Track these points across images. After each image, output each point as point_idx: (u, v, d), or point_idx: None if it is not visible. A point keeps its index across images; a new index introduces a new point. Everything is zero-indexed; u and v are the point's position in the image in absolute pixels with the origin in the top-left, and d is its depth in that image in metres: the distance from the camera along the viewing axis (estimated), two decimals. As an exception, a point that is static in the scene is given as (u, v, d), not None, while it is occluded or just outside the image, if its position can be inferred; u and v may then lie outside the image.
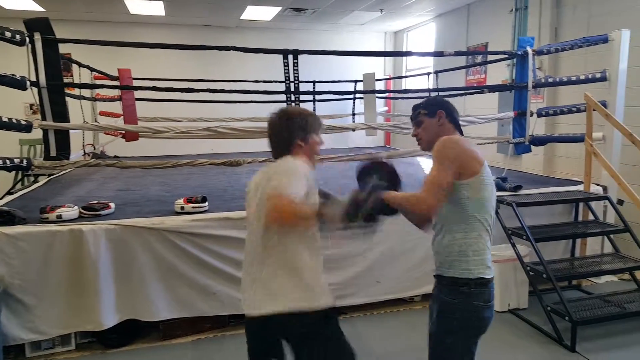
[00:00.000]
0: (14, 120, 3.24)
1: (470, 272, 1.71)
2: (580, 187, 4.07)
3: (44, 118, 3.35)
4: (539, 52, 4.26)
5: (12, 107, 6.04)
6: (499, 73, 6.09)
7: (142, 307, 2.98)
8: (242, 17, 7.65)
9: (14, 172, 4.56)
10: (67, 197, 3.80)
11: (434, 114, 1.86)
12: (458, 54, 4.47)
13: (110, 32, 7.56)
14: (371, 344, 3.04)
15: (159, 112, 6.42)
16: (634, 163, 4.15)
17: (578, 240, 3.97)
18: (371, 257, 3.44)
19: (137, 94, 5.41)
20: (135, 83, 5.81)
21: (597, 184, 4.09)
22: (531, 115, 4.33)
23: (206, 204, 3.26)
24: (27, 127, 3.29)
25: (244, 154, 5.31)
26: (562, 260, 3.71)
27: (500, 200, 3.47)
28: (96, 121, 5.87)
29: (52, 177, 4.86)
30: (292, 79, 3.86)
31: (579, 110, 4.16)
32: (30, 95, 3.43)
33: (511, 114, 4.32)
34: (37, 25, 3.33)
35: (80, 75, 5.55)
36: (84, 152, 5.19)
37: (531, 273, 3.32)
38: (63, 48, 3.70)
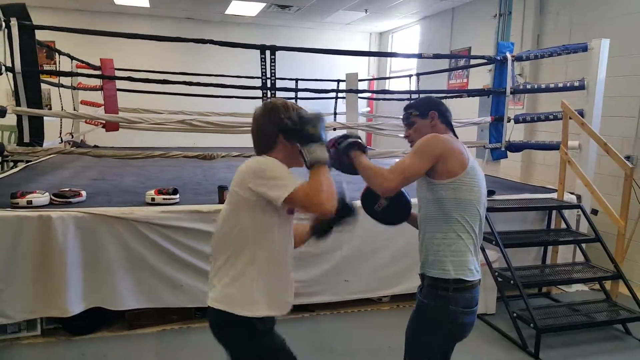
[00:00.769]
0: (-12, 105, 3.23)
1: (447, 273, 1.67)
2: (554, 195, 4.06)
3: (18, 104, 3.36)
4: (518, 58, 4.25)
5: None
6: (481, 78, 6.10)
7: (108, 295, 2.98)
8: (226, 12, 7.60)
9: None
10: (40, 184, 3.78)
11: (426, 114, 1.82)
12: (436, 56, 4.45)
13: (95, 21, 7.50)
14: (334, 342, 3.02)
15: (141, 103, 6.36)
16: (609, 173, 4.17)
17: (550, 248, 3.97)
18: (339, 256, 3.42)
19: (120, 84, 5.39)
20: (118, 74, 5.76)
21: (572, 193, 4.09)
22: (508, 121, 4.32)
23: (177, 196, 3.25)
24: (1, 112, 3.28)
25: (227, 149, 5.32)
26: (532, 267, 3.72)
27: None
28: (75, 109, 5.83)
29: (29, 163, 4.87)
30: (268, 75, 3.82)
31: (555, 118, 4.16)
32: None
33: (488, 119, 4.30)
34: (13, 10, 3.36)
35: (59, 63, 5.50)
36: (61, 140, 5.12)
37: (499, 279, 3.30)
38: (47, 36, 3.66)
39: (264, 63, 3.87)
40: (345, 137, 1.76)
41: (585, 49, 3.99)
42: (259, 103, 4.07)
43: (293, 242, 1.65)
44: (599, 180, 4.15)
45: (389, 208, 1.90)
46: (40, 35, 3.67)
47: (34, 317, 2.92)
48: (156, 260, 3.04)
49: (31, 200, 2.94)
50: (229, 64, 7.19)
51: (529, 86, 4.70)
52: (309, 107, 1.74)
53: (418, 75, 5.88)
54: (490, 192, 3.87)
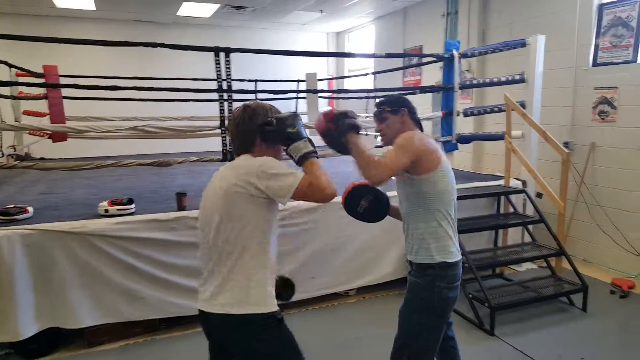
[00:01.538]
0: None
1: (432, 258, 1.88)
2: (502, 182, 4.35)
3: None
4: (464, 55, 4.51)
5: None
6: (434, 75, 6.37)
7: (63, 314, 2.88)
8: (178, 13, 7.45)
9: None
10: None
11: (397, 111, 1.99)
12: (389, 56, 4.63)
13: (36, 26, 7.11)
14: (301, 339, 3.07)
15: (93, 111, 6.15)
16: (550, 159, 4.50)
17: (500, 231, 4.25)
18: (305, 254, 3.50)
19: (67, 92, 5.15)
20: (64, 81, 5.49)
21: (518, 179, 4.39)
22: (458, 115, 4.58)
23: (132, 205, 3.18)
24: None
25: (187, 154, 5.23)
26: (485, 250, 3.97)
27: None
28: (16, 120, 5.50)
29: (-30, 181, 4.55)
30: (224, 77, 3.80)
31: (500, 110, 4.45)
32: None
33: (439, 113, 4.54)
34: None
35: None
36: (2, 153, 4.86)
37: (455, 263, 3.51)
38: None
39: (218, 65, 3.85)
40: (344, 114, 1.78)
41: (523, 44, 4.29)
42: (215, 106, 3.99)
43: None
44: (542, 165, 4.48)
45: (370, 208, 2.06)
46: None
47: (-17, 344, 2.76)
48: (113, 273, 2.96)
49: (-27, 221, 2.77)
50: (186, 67, 7.03)
51: (475, 81, 4.99)
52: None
53: (374, 73, 6.08)
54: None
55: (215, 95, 3.95)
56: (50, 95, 5.09)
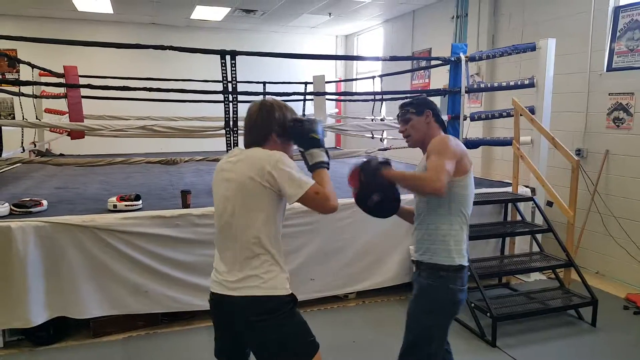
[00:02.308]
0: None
1: (452, 260, 1.87)
2: (510, 189, 4.22)
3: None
4: (471, 59, 4.40)
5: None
6: (442, 78, 6.26)
7: (72, 304, 2.97)
8: (191, 17, 7.59)
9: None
10: (1, 195, 3.74)
11: (421, 112, 1.97)
12: (393, 59, 4.57)
13: (58, 29, 7.42)
14: None
15: (111, 110, 6.29)
16: (561, 166, 4.36)
17: (508, 240, 4.12)
18: (304, 255, 3.47)
19: (87, 92, 5.29)
20: (83, 81, 5.65)
21: (527, 186, 4.26)
22: (465, 119, 4.47)
23: (140, 202, 3.27)
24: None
25: (194, 153, 5.36)
26: (491, 259, 3.86)
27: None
28: (37, 118, 5.73)
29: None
30: (229, 79, 3.85)
31: (508, 115, 4.33)
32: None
33: (445, 117, 4.43)
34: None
35: (21, 72, 5.41)
36: (23, 149, 5.07)
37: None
38: (9, 45, 3.62)
39: (224, 68, 3.91)
40: (362, 168, 1.88)
41: (533, 48, 4.18)
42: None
43: None
44: (552, 172, 4.35)
45: (382, 203, 2.00)
46: (1, 44, 3.61)
47: (-4, 330, 2.88)
48: (119, 267, 3.04)
49: (-10, 212, 2.89)
50: (201, 68, 7.12)
51: (482, 85, 4.87)
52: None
53: (381, 76, 6.01)
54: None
55: (222, 97, 4.02)
56: (70, 94, 5.25)
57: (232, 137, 3.87)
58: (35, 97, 5.84)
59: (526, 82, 4.24)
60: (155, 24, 8.17)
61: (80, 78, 5.64)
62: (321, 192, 1.55)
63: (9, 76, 7.28)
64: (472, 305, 3.22)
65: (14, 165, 4.96)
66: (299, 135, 1.67)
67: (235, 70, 3.96)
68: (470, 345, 3.04)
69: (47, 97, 6.03)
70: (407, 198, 2.11)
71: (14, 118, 7.11)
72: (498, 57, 4.43)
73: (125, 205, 3.19)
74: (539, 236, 3.98)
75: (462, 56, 4.28)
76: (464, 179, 1.87)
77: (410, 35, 7.19)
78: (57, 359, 2.86)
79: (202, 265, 3.16)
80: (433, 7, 6.67)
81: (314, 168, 1.64)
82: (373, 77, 6.23)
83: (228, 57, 3.87)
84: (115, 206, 3.18)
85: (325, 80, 6.91)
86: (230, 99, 4.01)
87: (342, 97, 8.22)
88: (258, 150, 1.64)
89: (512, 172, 4.15)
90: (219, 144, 4.71)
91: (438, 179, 1.73)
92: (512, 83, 4.34)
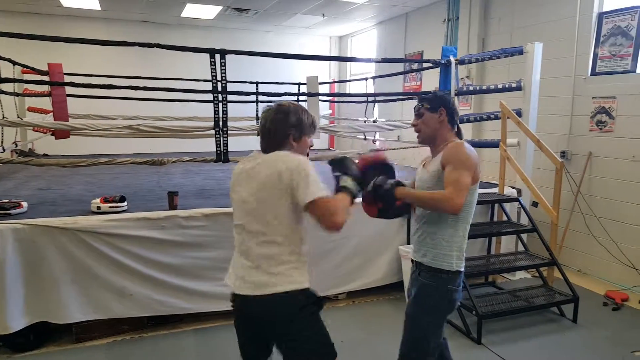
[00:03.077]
0: None
1: (451, 265, 1.92)
2: (497, 190, 4.32)
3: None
4: (461, 62, 4.49)
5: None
6: (434, 80, 6.34)
7: (53, 309, 2.90)
8: (182, 15, 7.53)
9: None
10: None
11: (435, 109, 1.95)
12: (384, 61, 4.64)
13: (44, 25, 7.32)
14: None
15: (97, 109, 6.21)
16: (547, 167, 4.47)
17: (494, 239, 4.22)
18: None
19: (73, 90, 5.22)
20: (68, 79, 5.55)
21: (513, 187, 4.36)
22: (454, 121, 4.55)
23: (125, 203, 3.20)
24: None
25: (183, 154, 5.28)
26: (477, 258, 3.95)
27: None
28: (19, 117, 5.56)
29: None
30: (219, 78, 3.82)
31: (496, 118, 4.43)
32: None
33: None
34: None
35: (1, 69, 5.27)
36: (3, 149, 4.93)
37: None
38: None
39: (213, 67, 3.89)
40: (378, 186, 1.87)
41: (521, 52, 4.28)
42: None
43: None
44: (538, 174, 4.45)
45: (399, 216, 2.06)
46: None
47: (-28, 336, 2.78)
48: (103, 270, 2.98)
49: (-33, 214, 2.81)
50: (191, 67, 7.04)
51: (471, 88, 4.97)
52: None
53: (374, 78, 6.08)
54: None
55: (211, 97, 3.97)
56: (54, 92, 5.09)
57: (221, 138, 3.80)
58: (17, 95, 5.58)
59: (514, 85, 4.33)
60: (147, 22, 8.06)
61: (66, 76, 5.47)
62: (332, 204, 1.55)
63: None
64: (459, 303, 3.31)
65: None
66: (341, 168, 1.75)
67: (225, 69, 3.89)
68: (456, 343, 3.09)
69: (31, 95, 5.83)
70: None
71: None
72: (487, 60, 4.53)
73: (110, 207, 3.11)
74: (524, 236, 4.09)
75: (452, 59, 4.37)
76: (474, 187, 1.87)
77: (403, 37, 7.28)
78: (36, 366, 2.77)
79: (189, 268, 3.14)
80: (425, 9, 6.76)
81: (341, 190, 1.68)
82: (366, 79, 6.31)
83: (217, 56, 3.79)
84: (98, 208, 3.10)
85: (319, 81, 6.97)
86: (220, 98, 3.93)
87: (336, 98, 8.27)
88: (278, 153, 1.67)
89: (499, 174, 4.25)
90: (209, 144, 4.72)
91: (458, 197, 1.71)
92: (500, 86, 4.43)
